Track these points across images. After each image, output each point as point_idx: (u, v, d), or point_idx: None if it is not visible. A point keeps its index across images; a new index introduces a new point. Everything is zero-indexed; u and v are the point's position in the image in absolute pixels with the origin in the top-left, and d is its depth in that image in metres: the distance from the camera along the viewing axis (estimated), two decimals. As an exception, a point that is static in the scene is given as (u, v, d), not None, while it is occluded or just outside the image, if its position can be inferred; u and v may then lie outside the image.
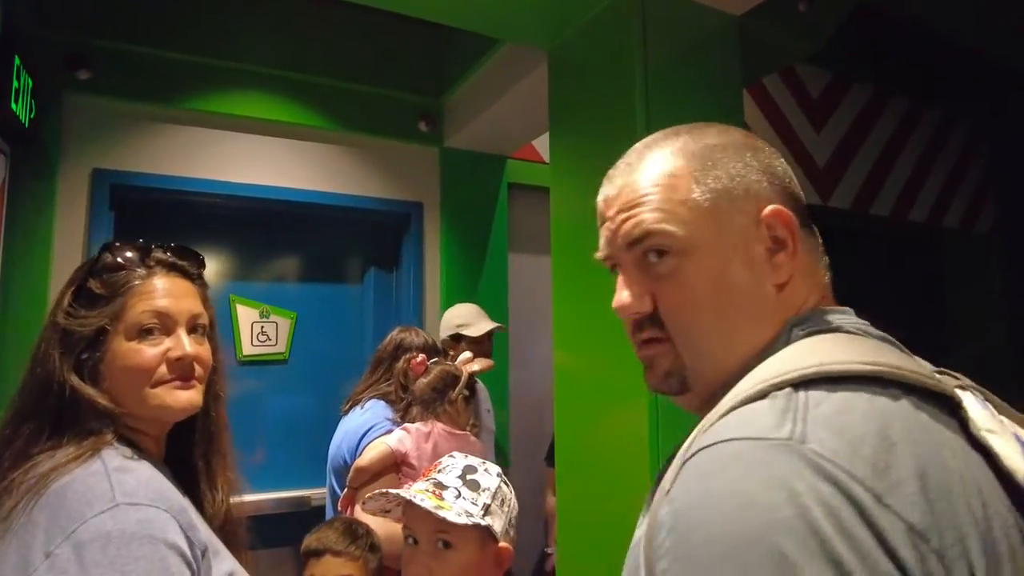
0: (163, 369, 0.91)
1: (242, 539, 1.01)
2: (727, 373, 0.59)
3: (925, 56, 4.04)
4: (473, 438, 1.94)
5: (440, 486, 1.15)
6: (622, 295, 0.64)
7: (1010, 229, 4.59)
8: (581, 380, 1.85)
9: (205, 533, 0.89)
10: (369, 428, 1.88)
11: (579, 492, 1.80)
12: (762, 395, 0.50)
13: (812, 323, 0.59)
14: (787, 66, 3.32)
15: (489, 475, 1.21)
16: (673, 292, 0.61)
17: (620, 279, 0.65)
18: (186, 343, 0.94)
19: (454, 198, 3.00)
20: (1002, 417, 0.54)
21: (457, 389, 1.90)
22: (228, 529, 0.98)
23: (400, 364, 1.99)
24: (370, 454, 1.78)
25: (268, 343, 2.80)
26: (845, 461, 0.44)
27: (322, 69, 2.76)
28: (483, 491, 1.16)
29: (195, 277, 1.02)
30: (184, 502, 0.88)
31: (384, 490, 1.17)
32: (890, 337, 0.59)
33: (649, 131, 1.69)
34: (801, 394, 0.49)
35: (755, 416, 0.49)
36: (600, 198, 0.68)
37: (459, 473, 1.19)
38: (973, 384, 0.58)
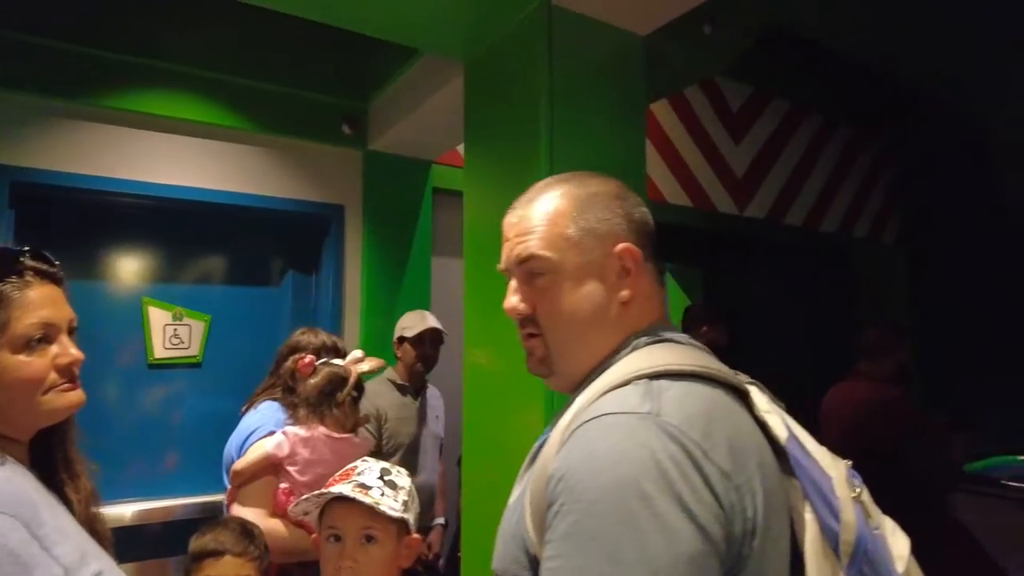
0: (53, 376, 0.95)
1: (105, 536, 1.02)
2: (586, 365, 0.81)
3: (838, 76, 4.27)
4: (357, 439, 1.94)
5: (364, 487, 1.28)
6: (511, 299, 0.86)
7: (913, 239, 4.88)
8: (488, 376, 1.90)
9: (75, 535, 0.91)
10: (255, 430, 1.86)
11: (484, 479, 1.88)
12: (626, 382, 0.70)
13: (651, 335, 0.81)
14: (691, 85, 3.45)
15: (402, 476, 1.37)
16: (546, 301, 0.83)
17: (511, 287, 0.87)
18: (72, 348, 0.98)
19: (377, 201, 3.00)
20: (773, 404, 0.79)
21: (345, 391, 1.88)
22: (95, 529, 1.00)
23: (288, 364, 1.95)
24: (248, 457, 1.78)
25: (181, 346, 2.75)
26: (686, 428, 0.64)
27: (242, 69, 2.73)
28: (400, 490, 1.31)
29: (61, 280, 1.02)
30: (45, 505, 0.89)
31: (316, 492, 1.28)
32: (703, 346, 0.83)
33: (553, 145, 1.77)
34: (654, 383, 0.70)
35: (625, 396, 0.68)
36: (505, 221, 0.89)
37: (378, 475, 1.32)
38: (757, 382, 0.83)
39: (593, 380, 0.77)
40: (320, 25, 1.99)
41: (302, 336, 2.07)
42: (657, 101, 3.24)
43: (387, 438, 2.50)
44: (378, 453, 2.44)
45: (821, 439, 2.15)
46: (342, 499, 1.26)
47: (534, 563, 0.69)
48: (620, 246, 0.81)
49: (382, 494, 1.27)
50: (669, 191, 3.52)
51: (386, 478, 1.32)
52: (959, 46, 3.09)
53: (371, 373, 2.02)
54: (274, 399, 1.96)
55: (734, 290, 5.33)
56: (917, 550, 0.74)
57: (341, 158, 2.97)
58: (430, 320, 2.65)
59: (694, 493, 0.60)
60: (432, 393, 2.77)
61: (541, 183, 0.88)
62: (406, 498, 1.31)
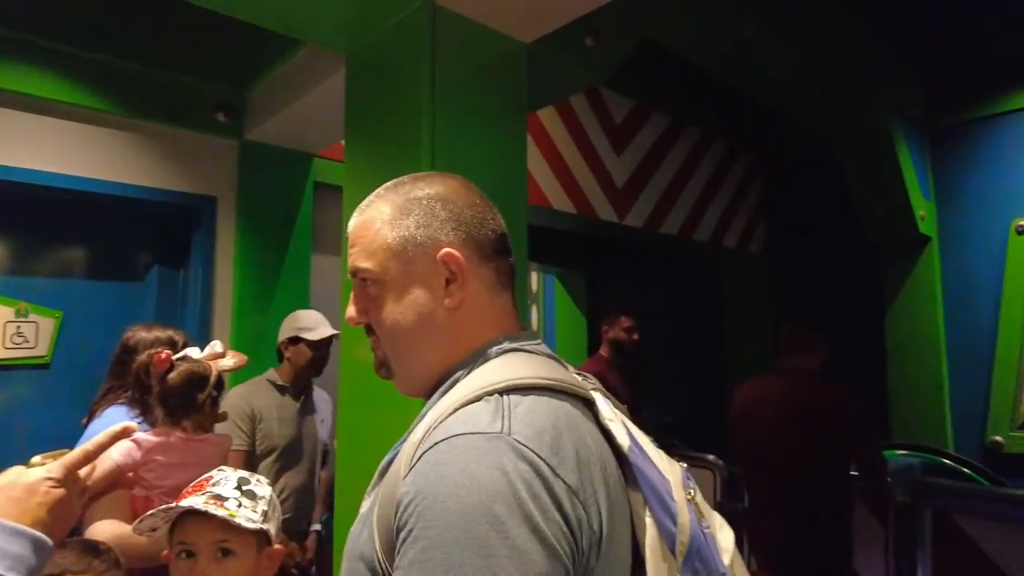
0: None
1: None
2: (423, 371, 0.82)
3: (712, 93, 4.56)
4: (216, 438, 1.83)
5: (219, 498, 1.21)
6: (349, 309, 0.86)
7: (777, 251, 5.30)
8: (364, 379, 1.86)
9: None
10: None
11: (360, 484, 1.81)
12: (478, 399, 0.69)
13: (502, 345, 0.79)
14: (577, 93, 3.56)
15: (262, 485, 1.30)
16: (376, 311, 0.82)
17: (351, 296, 0.86)
18: None
19: (253, 194, 2.86)
20: (616, 410, 0.79)
21: (206, 391, 1.75)
22: None
23: (142, 358, 1.77)
24: (96, 472, 1.62)
25: (26, 345, 2.50)
26: (535, 446, 0.64)
27: (108, 47, 2.50)
28: (260, 500, 1.25)
29: None
30: None
31: (164, 507, 1.20)
32: (555, 355, 0.83)
33: (435, 145, 1.77)
34: (504, 398, 0.69)
35: (475, 414, 0.67)
36: (347, 228, 0.87)
37: (235, 485, 1.25)
38: (600, 387, 0.83)
39: (443, 388, 0.78)
40: (196, 7, 1.88)
41: (135, 332, 1.91)
42: (541, 109, 3.31)
43: (260, 439, 2.39)
44: (251, 454, 2.34)
45: (735, 432, 2.23)
46: (193, 512, 1.18)
47: None
48: (442, 252, 0.79)
49: (239, 505, 1.21)
50: (555, 197, 3.61)
51: (244, 488, 1.25)
52: (817, 72, 3.38)
53: (235, 371, 1.91)
54: (120, 403, 1.81)
55: (615, 294, 5.55)
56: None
57: (214, 147, 2.80)
58: (330, 325, 2.54)
59: (544, 513, 0.61)
60: (320, 396, 2.67)
61: (380, 188, 0.86)
62: (266, 508, 1.25)
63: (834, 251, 4.89)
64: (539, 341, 0.83)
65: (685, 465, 0.82)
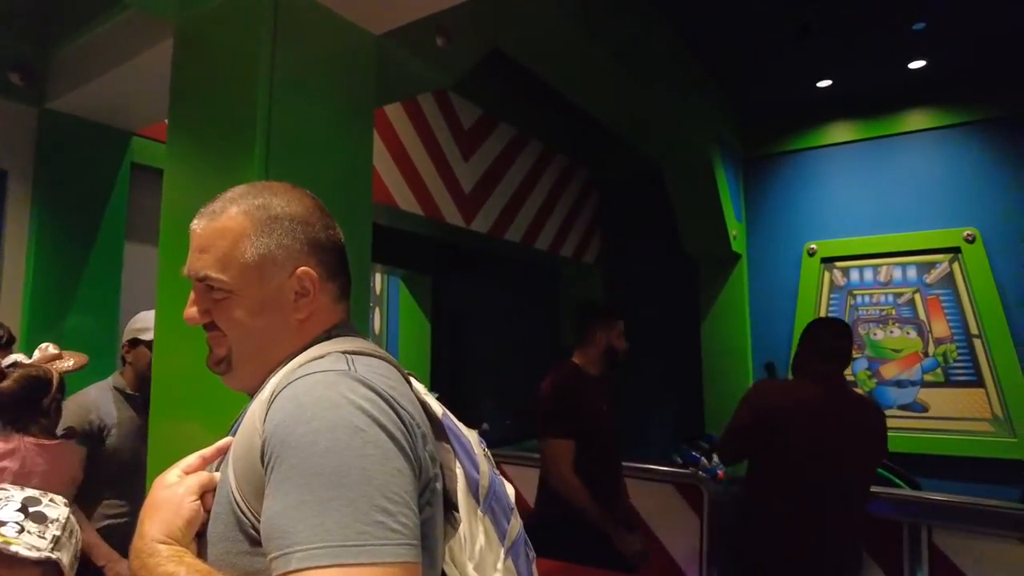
0: None
1: None
2: (265, 369, 0.85)
3: (555, 108, 4.75)
4: (71, 443, 1.77)
5: None
6: (190, 309, 0.87)
7: (607, 262, 5.63)
8: (181, 380, 1.70)
9: None
10: None
11: None
12: (321, 357, 0.77)
13: (330, 332, 0.88)
14: (426, 92, 3.55)
15: (56, 506, 1.13)
16: (224, 316, 0.85)
17: (191, 295, 0.87)
18: None
19: (55, 172, 2.50)
20: (428, 392, 0.89)
21: (50, 395, 1.68)
22: None
23: None
24: None
25: None
26: (378, 384, 0.73)
27: None
28: (51, 523, 1.09)
29: None
30: None
31: None
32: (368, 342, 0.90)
33: (270, 132, 1.66)
34: (346, 356, 0.78)
35: (324, 362, 0.76)
36: (191, 227, 0.87)
37: (18, 507, 1.09)
38: (413, 373, 0.90)
39: (274, 372, 0.83)
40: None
41: None
42: (388, 104, 3.26)
43: (109, 454, 2.07)
44: (97, 472, 2.01)
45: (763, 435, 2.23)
46: None
47: (252, 528, 0.71)
48: (300, 270, 0.85)
49: (20, 530, 1.05)
50: (402, 198, 3.56)
51: (31, 509, 1.09)
52: (650, 102, 3.65)
53: (74, 372, 1.80)
54: None
55: (459, 298, 5.59)
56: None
57: (7, 114, 2.42)
58: None
59: (395, 425, 0.70)
60: None
61: (231, 192, 0.88)
62: (58, 532, 1.09)
63: (658, 264, 5.30)
64: (360, 335, 0.92)
65: (477, 429, 0.95)
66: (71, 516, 1.15)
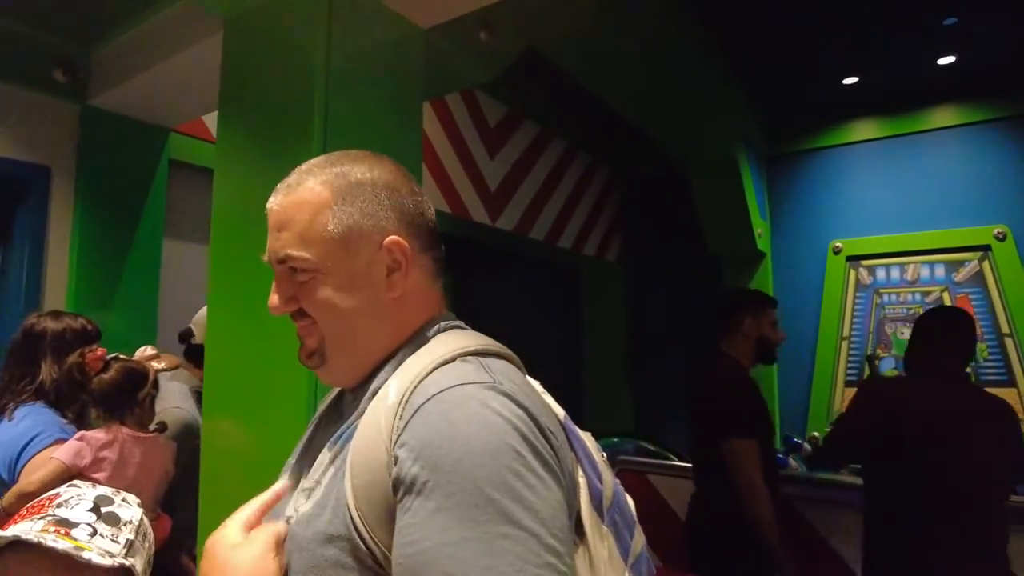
0: None
1: None
2: (363, 358, 0.79)
3: (578, 108, 4.74)
4: (162, 439, 1.80)
5: (65, 523, 0.92)
6: (273, 297, 0.79)
7: (629, 261, 5.61)
8: (234, 380, 1.70)
9: None
10: (31, 440, 1.62)
11: (228, 494, 1.64)
12: (453, 360, 0.71)
13: (442, 324, 0.80)
14: (466, 88, 3.55)
15: (129, 506, 1.02)
16: (311, 298, 0.77)
17: (274, 283, 0.80)
18: None
19: (97, 168, 2.51)
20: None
21: (145, 389, 1.75)
22: None
23: (73, 358, 1.74)
24: (38, 474, 1.52)
25: None
26: (520, 397, 0.66)
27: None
28: (125, 525, 0.98)
29: None
30: None
31: None
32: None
33: (326, 126, 1.66)
34: (480, 358, 0.71)
35: (463, 370, 0.68)
36: (268, 206, 0.80)
37: (90, 506, 0.98)
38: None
39: (385, 370, 0.76)
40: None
41: (42, 321, 1.80)
42: (431, 99, 3.26)
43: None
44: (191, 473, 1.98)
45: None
46: (22, 543, 0.88)
47: (370, 557, 0.64)
48: (388, 240, 0.77)
49: (93, 533, 0.94)
50: (430, 196, 3.54)
51: (103, 510, 0.98)
52: (678, 100, 3.64)
53: (166, 371, 1.90)
54: (35, 403, 1.71)
55: (481, 297, 5.58)
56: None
57: (51, 110, 2.43)
58: None
59: (546, 448, 0.64)
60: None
61: (307, 164, 0.81)
62: (131, 536, 0.98)
63: (680, 263, 5.28)
64: (463, 323, 0.85)
65: (589, 434, 0.85)
66: (144, 518, 1.05)
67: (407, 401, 0.67)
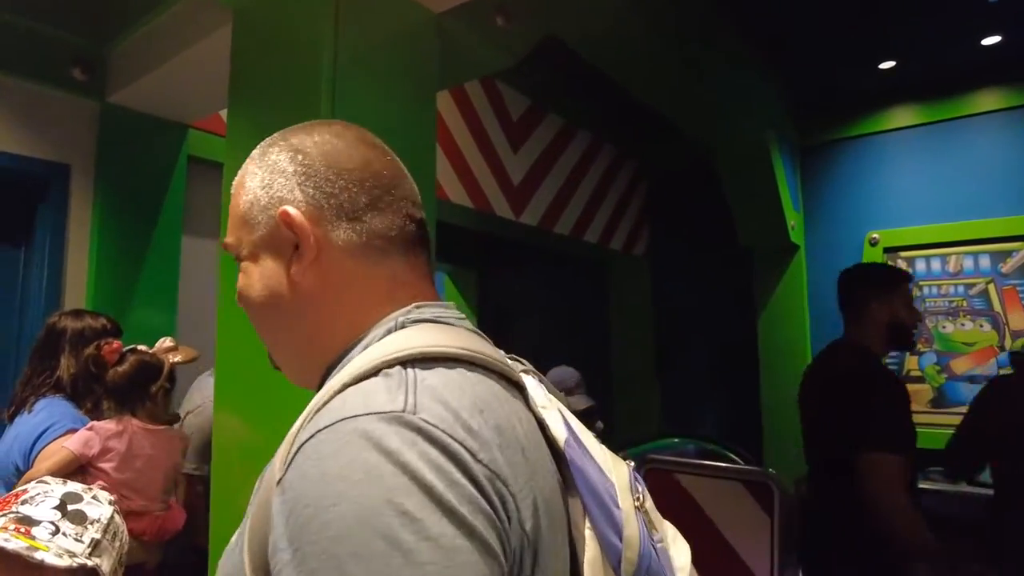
0: None
1: None
2: (295, 355, 0.69)
3: (603, 99, 4.64)
4: (174, 432, 1.85)
5: (27, 521, 0.91)
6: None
7: (657, 255, 5.49)
8: (245, 374, 1.66)
9: None
10: (45, 430, 1.69)
11: (238, 490, 1.61)
12: (375, 372, 0.55)
13: (414, 315, 0.65)
14: (485, 75, 3.50)
15: (99, 504, 1.00)
16: (241, 288, 0.70)
17: None
18: None
19: (116, 166, 2.52)
20: (551, 395, 0.69)
21: (159, 382, 1.79)
22: None
23: (90, 350, 1.80)
24: (47, 462, 1.59)
25: None
26: (448, 427, 0.50)
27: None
28: (92, 524, 0.96)
29: None
30: None
31: None
32: (477, 330, 0.69)
33: (335, 115, 1.61)
34: (408, 370, 0.54)
35: (371, 392, 0.52)
36: None
37: (56, 503, 0.96)
38: (534, 369, 0.72)
39: (337, 371, 0.63)
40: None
41: (64, 320, 1.86)
42: (449, 88, 3.21)
43: None
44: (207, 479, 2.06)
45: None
46: None
47: None
48: (279, 210, 0.65)
49: (55, 532, 0.92)
50: (451, 190, 3.50)
51: (70, 507, 0.96)
52: (710, 87, 3.52)
53: (185, 364, 1.93)
54: (56, 396, 1.79)
55: (505, 293, 5.53)
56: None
57: (69, 108, 2.43)
58: None
59: (468, 503, 0.47)
60: None
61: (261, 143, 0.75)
62: (97, 535, 0.96)
63: (709, 256, 5.14)
64: (460, 314, 0.69)
65: (632, 463, 0.69)
66: (116, 516, 1.03)
67: (298, 432, 0.53)
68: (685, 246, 5.31)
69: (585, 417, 2.33)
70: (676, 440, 3.86)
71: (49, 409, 1.75)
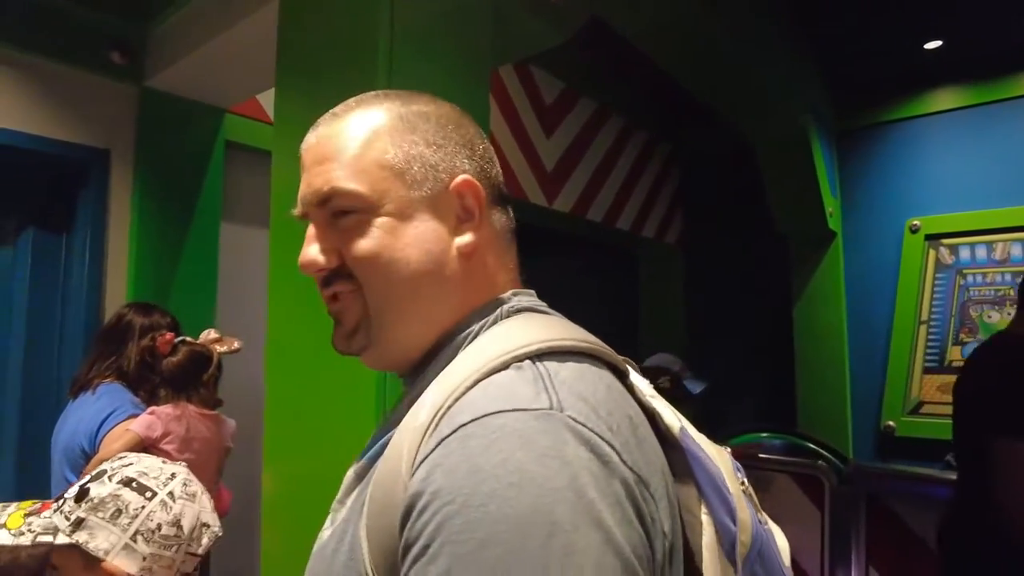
0: None
1: None
2: (418, 335, 0.62)
3: (636, 82, 4.55)
4: (224, 418, 1.97)
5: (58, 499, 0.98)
6: (309, 250, 0.63)
7: (690, 242, 5.40)
8: (298, 365, 1.61)
9: None
10: (109, 413, 1.80)
11: (292, 483, 1.58)
12: (505, 366, 0.52)
13: (515, 304, 0.64)
14: (538, 51, 3.44)
15: (105, 484, 0.98)
16: (360, 244, 0.60)
17: (309, 233, 0.64)
18: None
19: (155, 150, 2.48)
20: (652, 388, 0.65)
21: (210, 371, 1.91)
22: None
23: (144, 342, 1.93)
24: (115, 444, 1.69)
25: None
26: (594, 425, 0.48)
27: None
28: (87, 502, 0.95)
29: None
30: None
31: None
32: (564, 317, 0.66)
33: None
34: (540, 365, 0.52)
35: (510, 387, 0.50)
36: (303, 145, 0.66)
37: (76, 490, 0.99)
38: (629, 359, 0.67)
39: (439, 361, 0.60)
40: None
41: (131, 313, 1.99)
42: (502, 66, 3.13)
43: None
44: None
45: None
46: None
47: None
48: (459, 179, 0.62)
49: (56, 510, 0.96)
50: (485, 175, 3.44)
51: (87, 485, 0.98)
52: (748, 68, 3.42)
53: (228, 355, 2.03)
54: (115, 382, 1.90)
55: (533, 282, 5.46)
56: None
57: (109, 92, 2.39)
58: None
59: (616, 513, 0.45)
60: None
61: (353, 99, 0.67)
62: (84, 514, 0.93)
63: (744, 244, 5.04)
64: (545, 304, 0.68)
65: (729, 449, 0.69)
66: (127, 493, 0.98)
67: (436, 424, 0.50)
68: (719, 233, 5.21)
69: (699, 400, 2.31)
70: (764, 435, 3.75)
71: (111, 395, 1.86)
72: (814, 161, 4.21)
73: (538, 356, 0.53)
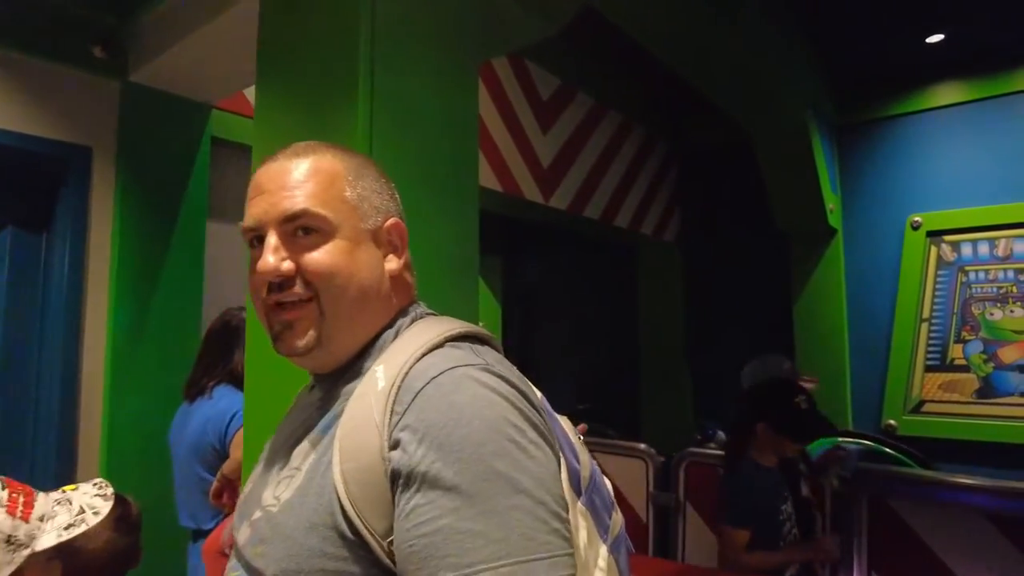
0: None
1: None
2: (360, 338, 0.78)
3: (633, 79, 4.48)
4: None
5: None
6: (268, 259, 0.74)
7: (688, 240, 5.34)
8: (280, 363, 1.56)
9: None
10: (235, 414, 1.87)
11: None
12: (441, 345, 0.72)
13: (421, 312, 0.83)
14: (528, 44, 3.38)
15: (80, 495, 1.21)
16: (324, 259, 0.74)
17: (268, 245, 0.75)
18: None
19: (137, 147, 2.41)
20: None
21: None
22: None
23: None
24: (238, 451, 1.74)
25: None
26: (510, 375, 0.70)
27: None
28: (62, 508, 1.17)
29: None
30: None
31: None
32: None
33: (374, 91, 1.49)
34: (468, 344, 0.75)
35: (454, 354, 0.70)
36: (260, 172, 0.79)
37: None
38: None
39: (373, 353, 0.77)
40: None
41: (240, 314, 2.00)
42: (492, 59, 3.07)
43: None
44: None
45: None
46: None
47: (358, 545, 0.64)
48: (391, 220, 0.82)
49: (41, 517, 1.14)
50: (481, 173, 3.37)
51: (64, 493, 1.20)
52: (746, 63, 3.36)
53: None
54: (228, 384, 1.96)
55: (531, 280, 5.41)
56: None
57: (90, 87, 2.33)
58: None
59: (541, 422, 0.68)
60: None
61: (300, 144, 0.81)
62: (43, 511, 1.12)
63: (744, 241, 4.98)
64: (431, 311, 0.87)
65: (566, 416, 0.87)
66: (90, 502, 1.18)
67: (401, 385, 0.67)
68: (718, 231, 5.16)
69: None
70: (839, 441, 3.63)
71: (230, 397, 1.92)
72: (814, 157, 4.15)
73: (461, 338, 0.75)
